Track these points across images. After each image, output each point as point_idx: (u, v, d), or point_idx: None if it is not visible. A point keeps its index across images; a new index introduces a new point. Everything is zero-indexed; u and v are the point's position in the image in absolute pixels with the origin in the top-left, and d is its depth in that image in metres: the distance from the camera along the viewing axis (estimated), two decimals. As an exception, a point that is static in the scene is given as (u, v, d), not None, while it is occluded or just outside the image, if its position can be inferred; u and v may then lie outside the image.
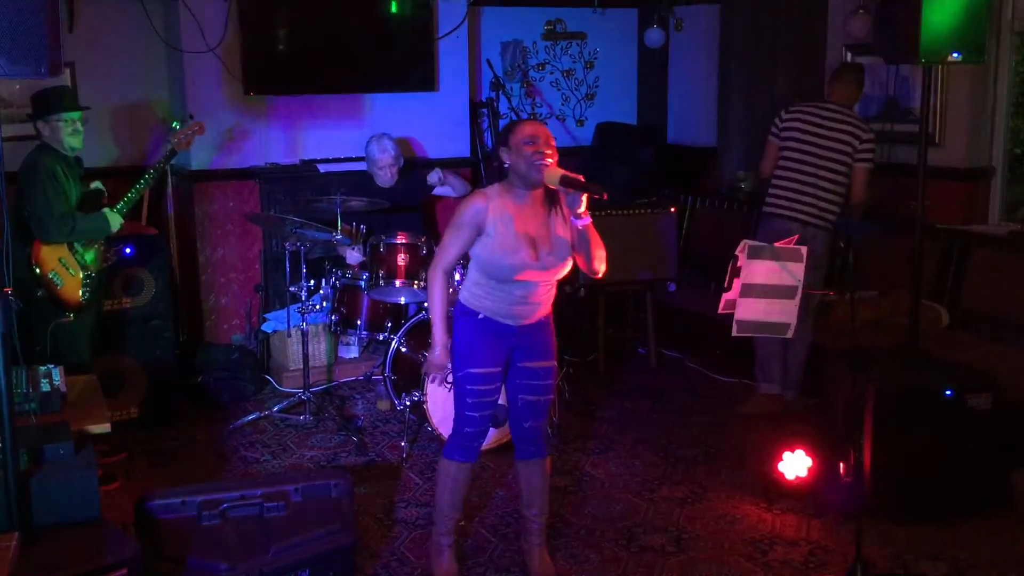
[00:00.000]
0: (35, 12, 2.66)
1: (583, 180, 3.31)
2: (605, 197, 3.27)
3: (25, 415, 3.20)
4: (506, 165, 3.46)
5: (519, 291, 3.49)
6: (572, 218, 3.42)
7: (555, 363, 3.68)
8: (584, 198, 3.33)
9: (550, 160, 3.38)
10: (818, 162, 5.18)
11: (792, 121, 5.28)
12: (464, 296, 3.60)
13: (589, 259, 3.50)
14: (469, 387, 3.56)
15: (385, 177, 5.88)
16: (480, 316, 3.54)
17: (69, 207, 4.49)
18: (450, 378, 3.64)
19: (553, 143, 3.44)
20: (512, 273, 3.44)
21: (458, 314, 3.62)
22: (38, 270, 4.50)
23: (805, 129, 5.23)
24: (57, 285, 4.53)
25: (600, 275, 3.57)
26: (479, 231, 3.44)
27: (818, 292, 4.89)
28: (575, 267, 3.59)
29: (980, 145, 5.86)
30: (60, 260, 4.55)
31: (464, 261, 3.66)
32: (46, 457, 3.04)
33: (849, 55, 6.35)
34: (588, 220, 3.40)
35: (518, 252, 3.41)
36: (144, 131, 6.22)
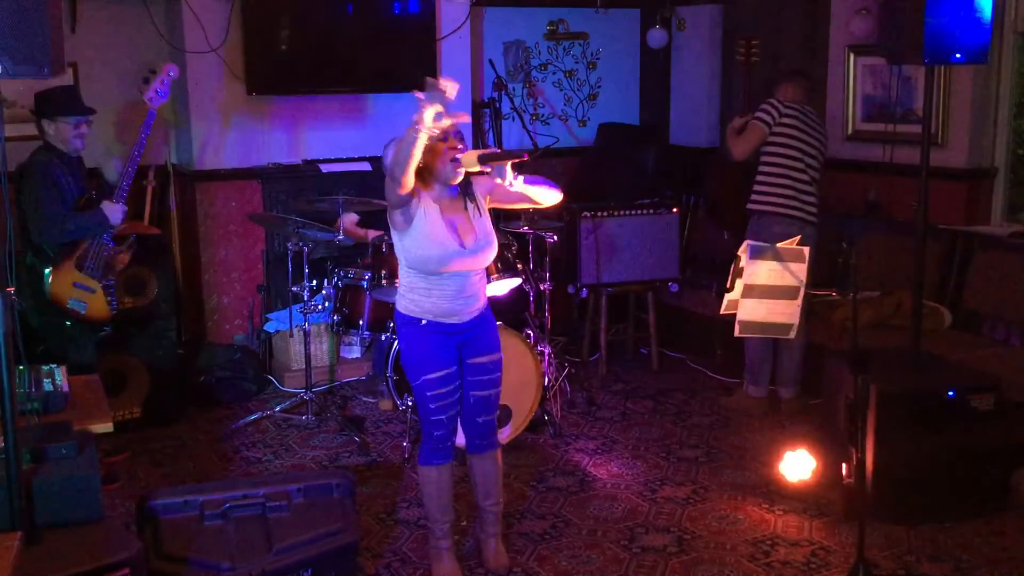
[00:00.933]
0: (37, 12, 2.66)
1: (500, 151, 3.48)
2: (526, 157, 3.45)
3: (28, 415, 3.20)
4: (419, 166, 3.42)
5: (452, 284, 3.56)
6: (505, 185, 3.50)
7: (500, 355, 3.76)
8: (508, 166, 3.46)
9: (460, 155, 3.50)
10: (811, 162, 5.27)
11: (788, 119, 5.26)
12: (403, 305, 3.65)
13: (541, 195, 3.63)
14: (429, 393, 3.62)
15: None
16: (423, 322, 3.60)
17: (60, 207, 4.42)
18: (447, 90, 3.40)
19: (462, 136, 3.55)
20: (441, 264, 3.51)
21: (400, 324, 3.68)
22: (58, 305, 4.48)
23: (801, 128, 5.26)
24: (81, 311, 4.52)
25: (557, 203, 3.72)
26: (408, 217, 3.48)
27: (821, 292, 4.90)
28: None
29: (983, 146, 5.85)
30: (73, 284, 4.50)
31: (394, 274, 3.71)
32: (48, 457, 3.03)
33: (852, 56, 6.35)
34: (519, 176, 3.51)
35: (445, 241, 3.50)
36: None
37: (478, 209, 3.64)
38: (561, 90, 7.59)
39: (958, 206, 5.82)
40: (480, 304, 3.69)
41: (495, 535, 3.90)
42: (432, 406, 3.64)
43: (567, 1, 7.42)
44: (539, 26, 7.40)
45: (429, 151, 3.44)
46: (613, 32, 7.66)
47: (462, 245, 3.54)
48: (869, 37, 5.99)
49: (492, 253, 3.65)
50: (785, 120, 5.25)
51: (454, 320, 3.61)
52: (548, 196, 3.66)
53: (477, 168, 3.50)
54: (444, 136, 3.47)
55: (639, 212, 6.02)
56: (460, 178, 3.56)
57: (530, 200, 3.66)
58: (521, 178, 3.53)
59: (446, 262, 3.52)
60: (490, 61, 6.68)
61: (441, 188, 3.57)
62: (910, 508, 4.14)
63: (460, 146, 3.52)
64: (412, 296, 3.61)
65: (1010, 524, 4.14)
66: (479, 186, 3.67)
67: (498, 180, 3.50)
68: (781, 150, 5.25)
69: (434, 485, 3.75)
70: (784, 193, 5.24)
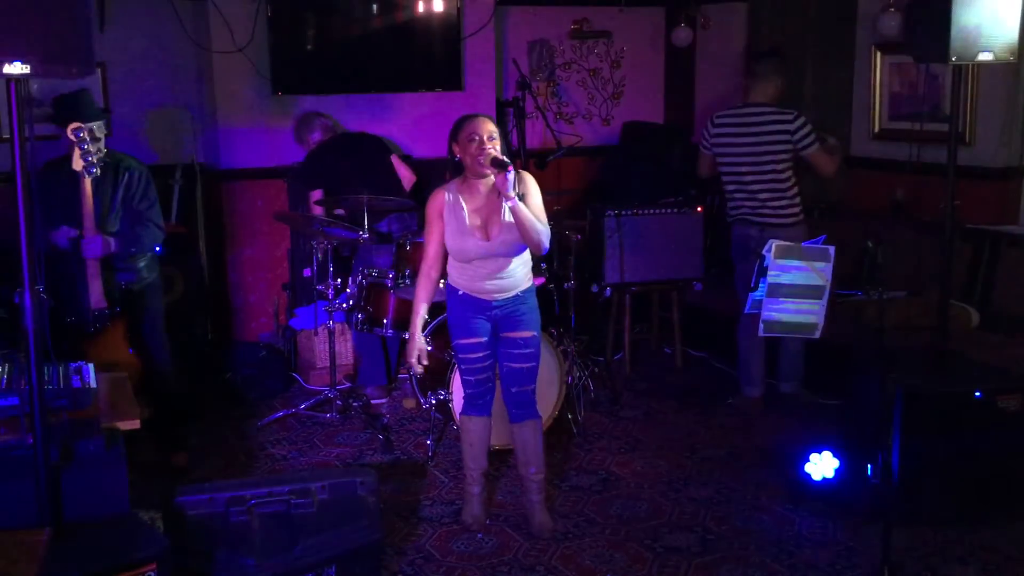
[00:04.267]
0: (67, 12, 2.68)
1: (504, 159, 3.70)
2: (509, 169, 3.66)
3: (56, 411, 3.24)
4: (457, 159, 3.88)
5: (484, 269, 3.91)
6: (503, 200, 3.75)
7: (535, 333, 4.04)
8: (509, 177, 3.66)
9: (490, 149, 3.76)
10: (755, 168, 5.21)
11: (719, 135, 5.32)
12: (450, 276, 4.06)
13: (527, 238, 3.81)
14: (461, 355, 4.07)
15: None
16: (460, 293, 4.00)
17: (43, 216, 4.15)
18: (422, 363, 4.06)
19: (496, 135, 3.80)
20: (468, 255, 3.89)
21: (447, 293, 4.10)
22: None
23: (732, 138, 5.27)
24: None
25: (544, 251, 3.90)
26: (441, 221, 3.90)
27: (846, 292, 4.87)
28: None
29: (1011, 144, 5.80)
30: None
31: None
32: (77, 453, 3.07)
33: (879, 54, 6.31)
34: (513, 201, 3.71)
35: (469, 237, 3.85)
36: (173, 131, 6.27)
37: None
38: (585, 89, 7.57)
39: (986, 205, 5.77)
40: (517, 288, 3.98)
41: (538, 503, 4.16)
42: (463, 367, 4.08)
43: (591, 0, 7.41)
44: (563, 25, 7.39)
45: (464, 148, 3.82)
46: (637, 31, 7.64)
47: (485, 239, 3.85)
48: (896, 35, 5.95)
49: (516, 247, 3.89)
50: (716, 132, 5.34)
51: (486, 297, 3.96)
52: (536, 231, 3.79)
53: (487, 169, 3.79)
54: (473, 137, 3.78)
55: (663, 211, 6.00)
56: (485, 173, 3.82)
57: (520, 230, 3.79)
58: (510, 204, 3.73)
59: (470, 253, 3.88)
60: (514, 60, 6.68)
61: (477, 181, 3.89)
62: (936, 509, 4.11)
63: (489, 146, 3.78)
64: (452, 272, 4.03)
65: (1038, 526, 4.11)
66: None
67: (500, 188, 3.73)
68: (720, 160, 5.37)
69: (467, 433, 4.17)
70: (734, 202, 5.37)
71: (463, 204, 3.88)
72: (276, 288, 6.34)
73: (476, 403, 4.15)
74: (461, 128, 3.85)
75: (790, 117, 5.15)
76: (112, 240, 4.36)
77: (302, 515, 3.47)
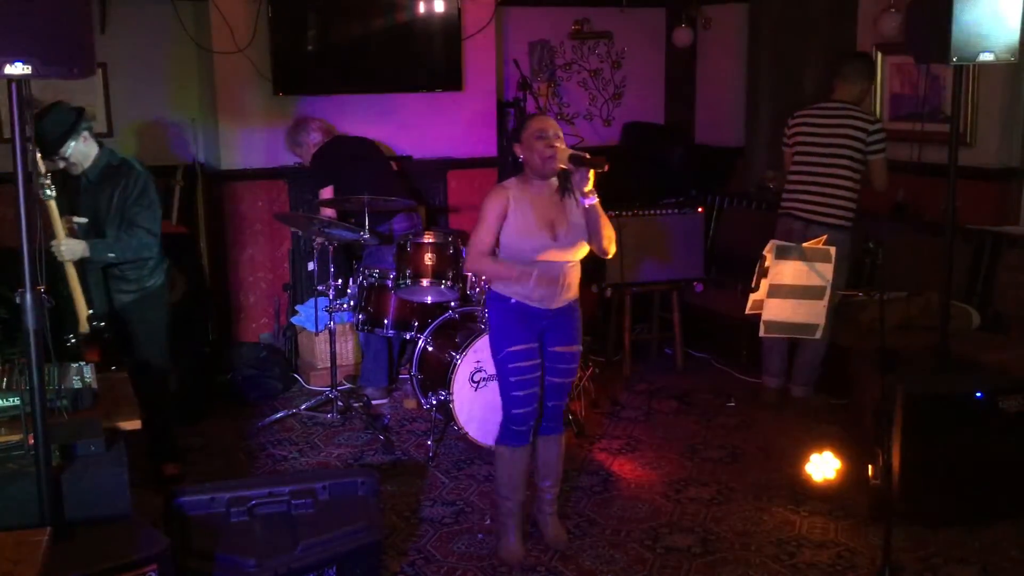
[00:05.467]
0: (68, 13, 2.68)
1: (587, 156, 3.55)
2: (606, 168, 3.52)
3: (57, 412, 3.24)
4: (520, 159, 3.71)
5: (545, 273, 3.69)
6: (580, 198, 3.63)
7: (580, 347, 3.92)
8: (591, 175, 3.55)
9: (555, 151, 3.61)
10: (825, 160, 5.23)
11: (797, 126, 5.37)
12: (496, 284, 3.84)
13: (599, 239, 3.71)
14: (510, 366, 3.77)
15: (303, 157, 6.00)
16: (512, 301, 3.77)
17: None
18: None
19: (561, 134, 3.67)
20: (534, 254, 3.67)
21: (490, 300, 3.89)
22: None
23: (809, 131, 5.30)
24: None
25: (610, 255, 3.80)
26: (502, 218, 3.68)
27: (847, 293, 4.87)
28: (604, 267, 3.68)
29: (1011, 145, 5.80)
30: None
31: None
32: (77, 453, 3.07)
33: (880, 54, 6.31)
34: (595, 199, 3.61)
35: (537, 234, 3.67)
36: (174, 131, 6.27)
37: (574, 205, 3.73)
38: (586, 89, 7.58)
39: (987, 206, 5.77)
40: (570, 294, 3.82)
41: (552, 513, 4.06)
42: (512, 379, 3.78)
43: (592, 0, 7.42)
44: (564, 25, 7.40)
45: (528, 147, 3.66)
46: (638, 31, 7.65)
47: (552, 238, 3.69)
48: (897, 36, 5.95)
49: (582, 249, 3.76)
50: (793, 131, 5.39)
51: (540, 305, 3.76)
52: (608, 237, 3.71)
53: (567, 165, 3.61)
54: (541, 135, 3.63)
55: (664, 212, 6.00)
56: (554, 172, 3.68)
57: (593, 231, 3.70)
58: (596, 200, 3.63)
59: (538, 252, 3.68)
60: (515, 61, 6.68)
61: (540, 182, 3.72)
62: (937, 510, 4.10)
63: (557, 144, 3.64)
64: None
65: (1039, 527, 4.11)
66: (575, 187, 3.71)
67: (577, 187, 3.62)
68: (794, 156, 5.39)
69: (507, 464, 3.91)
70: (789, 194, 5.41)
71: (529, 203, 3.70)
72: (277, 288, 6.34)
73: (520, 428, 3.84)
74: (525, 127, 3.70)
75: (871, 119, 5.21)
76: (87, 245, 4.16)
77: (303, 515, 3.47)
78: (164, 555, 2.87)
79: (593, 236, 3.72)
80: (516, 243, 3.69)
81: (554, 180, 3.73)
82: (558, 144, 3.64)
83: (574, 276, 3.81)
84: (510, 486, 3.92)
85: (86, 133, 4.29)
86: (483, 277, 3.95)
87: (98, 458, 3.07)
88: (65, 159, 4.25)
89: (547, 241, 3.68)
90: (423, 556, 3.98)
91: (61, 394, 3.31)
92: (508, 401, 3.82)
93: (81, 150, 4.27)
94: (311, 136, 5.93)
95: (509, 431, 3.86)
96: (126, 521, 3.03)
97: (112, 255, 4.29)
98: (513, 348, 3.77)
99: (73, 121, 4.23)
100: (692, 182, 7.25)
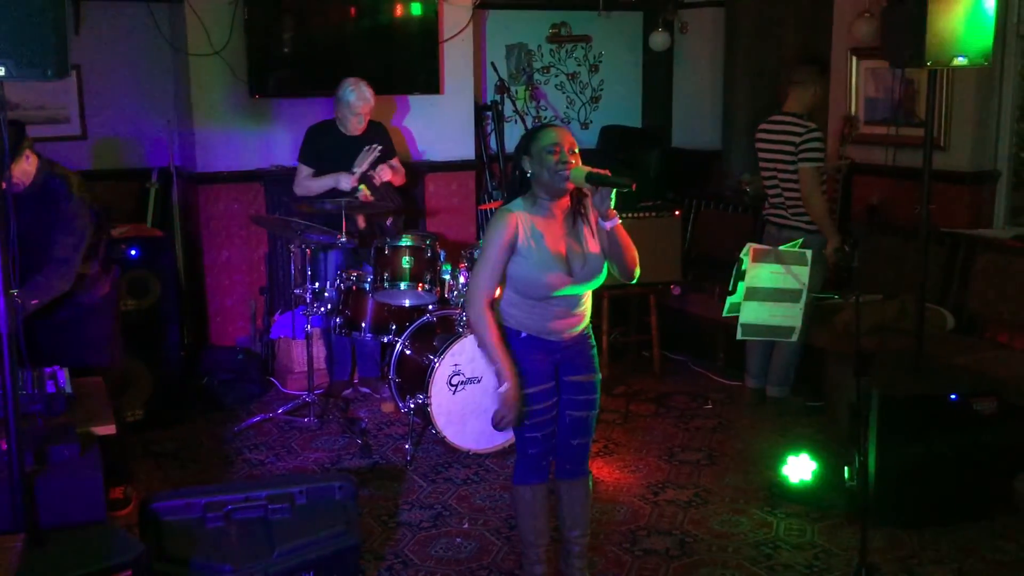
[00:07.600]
0: (41, 14, 2.66)
1: (607, 174, 3.17)
2: (634, 187, 3.15)
3: (31, 416, 3.21)
4: (529, 174, 3.30)
5: (558, 307, 3.35)
6: (600, 220, 3.29)
7: (598, 375, 3.54)
8: (613, 194, 3.21)
9: (574, 161, 3.25)
10: (778, 168, 5.32)
11: (757, 140, 5.51)
12: (507, 316, 3.41)
13: (624, 263, 3.38)
14: (526, 408, 3.38)
15: (356, 125, 5.68)
16: (523, 336, 3.38)
17: None
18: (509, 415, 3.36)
19: (576, 149, 3.30)
20: (549, 291, 3.30)
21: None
22: None
23: (762, 145, 5.45)
24: None
25: (635, 279, 3.46)
26: (511, 251, 3.28)
27: (822, 296, 4.90)
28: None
29: (985, 149, 5.85)
30: None
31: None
32: (51, 458, 3.04)
33: (855, 59, 6.35)
34: (617, 220, 3.28)
35: (553, 269, 3.27)
36: (149, 133, 6.23)
37: (591, 231, 3.38)
38: (564, 93, 7.59)
39: (961, 209, 5.82)
40: (584, 324, 3.46)
41: (581, 568, 3.63)
42: (528, 422, 3.41)
43: (570, 4, 7.43)
44: (542, 29, 7.41)
45: (540, 161, 3.25)
46: (615, 35, 7.67)
47: (569, 273, 3.30)
48: (872, 40, 5.99)
49: (599, 279, 3.38)
50: (756, 140, 5.52)
51: (554, 338, 3.39)
52: (634, 260, 3.38)
53: (583, 185, 3.23)
54: (554, 149, 3.23)
55: (641, 215, 6.01)
56: (567, 190, 3.29)
57: (617, 255, 3.37)
58: (618, 221, 3.29)
59: (553, 289, 3.30)
60: (492, 64, 6.68)
61: (550, 202, 3.30)
62: (913, 512, 4.13)
63: (572, 159, 3.24)
64: (513, 311, 3.38)
65: (1013, 528, 4.14)
66: (592, 208, 3.36)
67: (596, 209, 3.27)
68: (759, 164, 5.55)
69: (528, 506, 3.53)
70: (768, 202, 5.51)
71: (540, 231, 3.28)
72: (253, 292, 6.30)
73: (540, 465, 3.50)
74: (535, 139, 3.27)
75: (802, 129, 5.21)
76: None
77: (280, 520, 3.46)
78: (139, 561, 2.85)
79: (617, 260, 3.37)
80: (527, 278, 3.29)
81: (566, 199, 3.33)
82: (573, 161, 3.24)
83: (588, 304, 3.46)
84: (535, 530, 3.54)
85: (28, 151, 3.89)
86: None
87: (72, 463, 3.04)
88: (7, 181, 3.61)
89: (563, 277, 3.28)
90: (401, 560, 3.97)
91: (35, 399, 3.28)
92: (524, 442, 3.48)
93: (24, 170, 3.88)
94: (344, 93, 5.64)
95: (527, 468, 3.50)
96: (101, 526, 3.00)
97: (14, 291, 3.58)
98: (530, 390, 3.37)
99: (15, 143, 3.77)
100: (669, 185, 7.27)
